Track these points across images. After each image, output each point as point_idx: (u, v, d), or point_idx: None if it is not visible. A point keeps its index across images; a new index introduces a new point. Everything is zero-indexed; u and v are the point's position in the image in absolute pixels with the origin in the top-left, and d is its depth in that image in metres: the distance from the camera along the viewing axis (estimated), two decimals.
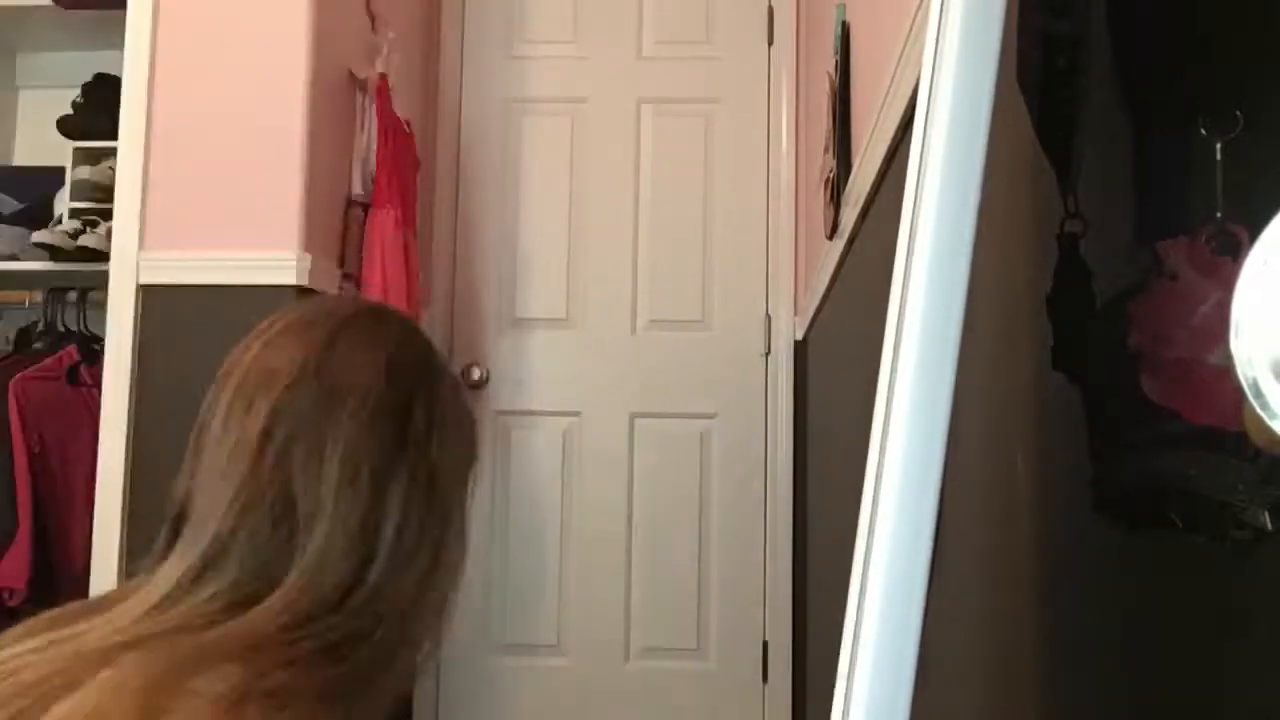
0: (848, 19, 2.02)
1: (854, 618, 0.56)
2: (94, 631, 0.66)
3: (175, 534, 0.72)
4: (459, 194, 3.07)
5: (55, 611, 0.70)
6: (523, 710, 2.90)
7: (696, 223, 3.02)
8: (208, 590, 0.68)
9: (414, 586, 0.72)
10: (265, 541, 0.69)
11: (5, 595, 2.33)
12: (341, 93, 2.40)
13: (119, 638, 0.64)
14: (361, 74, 2.47)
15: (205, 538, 0.70)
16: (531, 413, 2.99)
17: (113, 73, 2.48)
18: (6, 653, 0.65)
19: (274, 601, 0.67)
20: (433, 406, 0.75)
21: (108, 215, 2.31)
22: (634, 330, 3.01)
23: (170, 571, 0.70)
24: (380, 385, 0.73)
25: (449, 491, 0.76)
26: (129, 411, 2.14)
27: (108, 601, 0.70)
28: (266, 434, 0.71)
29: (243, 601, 0.67)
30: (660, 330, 3.00)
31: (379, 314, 0.79)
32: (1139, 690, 0.68)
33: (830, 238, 2.13)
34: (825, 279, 2.30)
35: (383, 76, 2.50)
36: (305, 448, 0.70)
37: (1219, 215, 0.55)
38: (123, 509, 2.11)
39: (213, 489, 0.71)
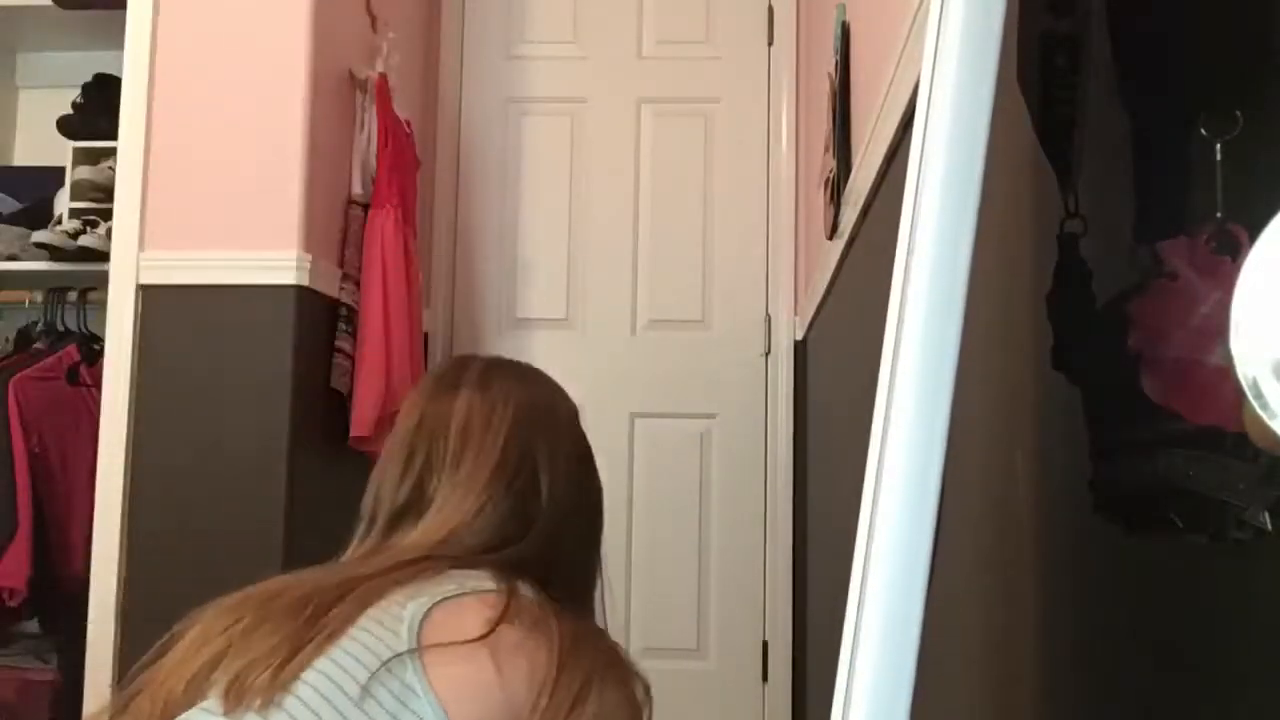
0: (848, 19, 2.02)
1: (854, 617, 0.56)
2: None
3: (396, 523, 0.95)
4: (459, 194, 3.07)
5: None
6: None
7: (696, 223, 3.02)
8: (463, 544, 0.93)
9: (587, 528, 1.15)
10: (504, 517, 0.96)
11: (5, 595, 2.33)
12: (341, 93, 2.40)
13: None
14: (361, 74, 2.47)
15: (453, 517, 0.94)
16: None
17: (113, 73, 2.48)
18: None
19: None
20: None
21: (108, 215, 2.31)
22: (634, 330, 3.01)
23: (419, 539, 0.93)
24: (565, 404, 1.13)
25: None
26: (129, 411, 2.13)
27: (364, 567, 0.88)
28: (512, 439, 1.00)
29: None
30: (660, 330, 3.00)
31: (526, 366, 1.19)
32: (1139, 690, 0.68)
33: (830, 238, 2.13)
34: (825, 279, 2.30)
35: (383, 76, 2.50)
36: (543, 449, 1.03)
37: (1219, 215, 0.55)
38: (123, 509, 2.11)
39: (458, 485, 0.96)
